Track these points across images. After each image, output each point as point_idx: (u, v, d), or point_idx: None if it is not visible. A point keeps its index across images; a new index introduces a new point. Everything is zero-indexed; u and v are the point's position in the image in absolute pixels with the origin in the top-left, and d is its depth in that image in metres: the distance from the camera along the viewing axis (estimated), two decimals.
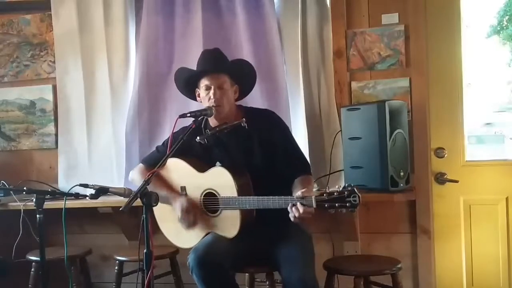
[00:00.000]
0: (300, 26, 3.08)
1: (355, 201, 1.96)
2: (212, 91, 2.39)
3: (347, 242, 3.08)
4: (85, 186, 2.28)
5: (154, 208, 2.51)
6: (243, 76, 2.51)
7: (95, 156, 3.40)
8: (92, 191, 2.24)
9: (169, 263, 3.02)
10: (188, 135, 2.30)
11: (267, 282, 2.48)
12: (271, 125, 2.48)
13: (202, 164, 2.47)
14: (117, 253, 2.98)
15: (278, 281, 2.43)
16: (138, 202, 1.96)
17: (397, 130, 2.70)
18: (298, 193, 2.08)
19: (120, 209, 1.91)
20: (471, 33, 3.14)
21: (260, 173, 2.37)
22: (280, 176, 2.38)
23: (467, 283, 3.03)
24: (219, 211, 2.37)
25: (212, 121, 2.49)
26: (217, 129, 2.39)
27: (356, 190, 1.97)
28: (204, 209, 2.42)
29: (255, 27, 3.11)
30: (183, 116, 2.31)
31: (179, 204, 2.41)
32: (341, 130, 2.91)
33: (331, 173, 2.97)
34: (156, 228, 2.51)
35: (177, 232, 2.51)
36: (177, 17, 3.24)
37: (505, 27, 3.38)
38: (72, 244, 2.90)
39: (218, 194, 2.37)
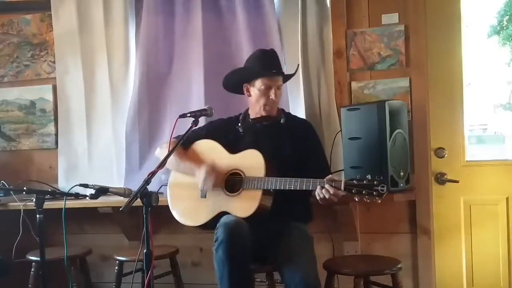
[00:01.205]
0: (300, 26, 3.08)
1: (382, 190, 2.06)
2: (273, 91, 2.55)
3: (347, 242, 3.07)
4: (85, 186, 2.28)
5: (170, 185, 2.60)
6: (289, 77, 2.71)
7: (95, 156, 3.40)
8: (92, 191, 2.24)
9: (169, 263, 3.01)
10: (188, 135, 2.32)
11: (267, 282, 2.47)
12: (308, 132, 2.65)
13: (234, 148, 2.53)
14: (117, 253, 2.97)
15: (278, 281, 2.43)
16: (138, 202, 1.96)
17: (397, 130, 2.70)
18: (328, 176, 2.19)
19: (120, 209, 1.91)
20: (471, 33, 3.14)
21: (284, 170, 2.39)
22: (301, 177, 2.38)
23: (467, 283, 3.03)
24: (240, 191, 2.39)
25: (253, 113, 2.63)
26: (258, 120, 2.58)
27: (385, 181, 2.07)
28: (223, 188, 2.44)
29: (255, 27, 3.11)
30: (183, 116, 2.31)
31: (203, 167, 2.44)
32: (341, 130, 2.91)
33: (331, 173, 2.96)
34: (156, 228, 2.51)
35: (189, 210, 2.53)
36: (177, 17, 3.24)
37: (505, 27, 3.39)
38: (72, 244, 2.90)
39: (244, 174, 2.40)
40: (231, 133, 2.62)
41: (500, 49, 3.37)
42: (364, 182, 2.09)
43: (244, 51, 3.09)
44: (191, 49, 3.18)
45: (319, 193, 2.19)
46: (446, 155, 3.02)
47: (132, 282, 2.31)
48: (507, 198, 2.96)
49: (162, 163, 2.15)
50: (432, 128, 3.01)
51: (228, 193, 2.43)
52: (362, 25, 3.08)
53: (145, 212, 1.95)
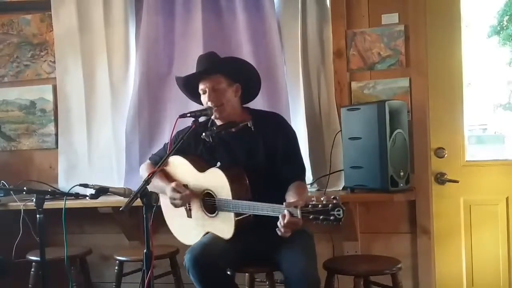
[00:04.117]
0: (300, 26, 3.08)
1: (339, 215, 1.89)
2: (207, 94, 2.40)
3: (347, 242, 3.07)
4: (85, 186, 2.27)
5: (162, 205, 2.53)
6: (240, 73, 2.47)
7: (95, 156, 3.40)
8: (92, 191, 2.23)
9: (169, 263, 3.02)
10: (188, 135, 2.30)
11: (267, 282, 2.47)
12: (278, 129, 2.47)
13: (204, 163, 2.47)
14: (117, 253, 2.98)
15: (278, 281, 2.43)
16: (138, 202, 1.96)
17: (397, 130, 2.70)
18: (285, 203, 2.04)
19: (120, 209, 1.91)
20: (471, 33, 3.14)
21: (261, 175, 2.36)
22: (280, 179, 2.37)
23: (467, 283, 3.03)
24: (216, 212, 2.37)
25: (219, 121, 2.49)
26: (223, 127, 2.42)
27: (340, 204, 1.90)
28: (203, 208, 2.41)
29: (255, 27, 3.11)
30: (183, 116, 2.31)
31: (170, 185, 2.39)
32: (341, 130, 2.91)
33: (331, 173, 2.97)
34: (156, 228, 2.51)
35: (182, 228, 2.53)
36: (177, 17, 3.24)
37: (505, 27, 3.39)
38: (72, 244, 2.90)
39: (215, 195, 2.36)
40: (200, 144, 2.48)
41: (500, 49, 3.37)
42: (320, 207, 1.91)
43: (244, 51, 3.09)
44: (191, 49, 3.18)
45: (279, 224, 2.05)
46: (446, 155, 3.02)
47: (137, 282, 2.30)
48: (507, 198, 2.96)
49: (162, 163, 2.15)
50: (432, 128, 3.01)
51: (207, 214, 2.40)
52: (362, 25, 3.08)
53: (145, 212, 1.95)
